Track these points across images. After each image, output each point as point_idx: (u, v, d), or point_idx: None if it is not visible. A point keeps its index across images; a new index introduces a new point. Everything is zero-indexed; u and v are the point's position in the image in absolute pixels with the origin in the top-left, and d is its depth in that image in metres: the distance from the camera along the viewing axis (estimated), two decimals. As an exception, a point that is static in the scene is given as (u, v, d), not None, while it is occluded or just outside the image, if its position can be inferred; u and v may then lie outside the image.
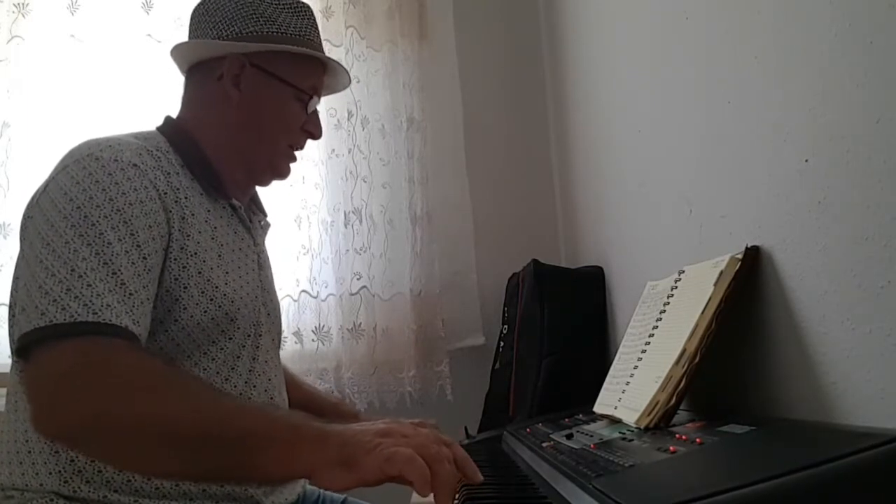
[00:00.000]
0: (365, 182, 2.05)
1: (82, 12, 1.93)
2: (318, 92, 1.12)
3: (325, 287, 2.00)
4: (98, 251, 0.83)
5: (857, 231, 0.73)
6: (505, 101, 2.23)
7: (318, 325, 1.97)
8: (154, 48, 1.96)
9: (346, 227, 2.01)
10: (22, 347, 0.79)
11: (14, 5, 1.89)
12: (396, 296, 2.04)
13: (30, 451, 0.89)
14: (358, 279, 2.01)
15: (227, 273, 0.99)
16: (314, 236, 2.00)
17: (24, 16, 1.89)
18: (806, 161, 0.81)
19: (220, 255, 0.99)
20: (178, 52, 1.09)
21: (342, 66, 1.15)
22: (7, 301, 1.77)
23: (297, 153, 1.14)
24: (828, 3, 0.76)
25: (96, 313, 0.78)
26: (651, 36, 1.32)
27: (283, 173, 1.13)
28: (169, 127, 1.06)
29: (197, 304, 0.93)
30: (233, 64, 1.04)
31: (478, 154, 2.16)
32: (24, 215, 0.91)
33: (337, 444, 0.69)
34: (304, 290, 1.98)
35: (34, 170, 1.83)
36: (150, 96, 1.91)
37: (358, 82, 2.05)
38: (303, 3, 1.12)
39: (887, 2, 0.67)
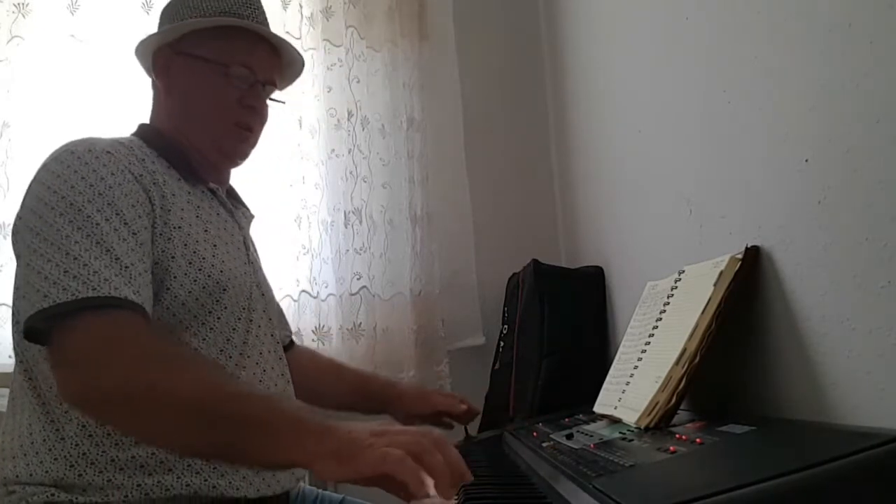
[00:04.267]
0: (365, 182, 2.05)
1: (82, 12, 1.93)
2: (248, 64, 1.09)
3: (325, 287, 1.99)
4: (89, 233, 0.87)
5: (857, 231, 0.73)
6: (505, 101, 2.23)
7: (318, 325, 1.97)
8: (154, 48, 1.95)
9: (346, 227, 2.01)
10: (29, 329, 0.83)
11: (14, 5, 1.89)
12: (396, 296, 2.03)
13: (33, 443, 0.92)
14: (358, 279, 2.00)
15: (214, 246, 1.02)
16: (314, 236, 2.00)
17: (24, 16, 1.89)
18: (806, 161, 0.81)
19: (206, 230, 1.03)
20: (142, 66, 1.16)
21: (269, 30, 1.12)
22: (7, 301, 1.80)
23: (245, 132, 1.12)
24: (828, 3, 0.76)
25: (95, 289, 0.82)
26: (651, 36, 1.32)
27: (232, 153, 1.13)
28: (141, 129, 1.12)
29: (186, 273, 0.96)
30: (159, 58, 1.11)
31: (478, 154, 2.16)
32: (15, 220, 0.95)
33: (335, 438, 0.73)
34: (304, 290, 1.98)
35: (34, 170, 1.84)
36: (150, 96, 1.91)
37: (358, 82, 2.05)
38: None
39: (887, 2, 0.67)
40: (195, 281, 0.97)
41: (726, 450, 0.70)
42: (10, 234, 1.78)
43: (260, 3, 1.15)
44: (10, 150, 1.85)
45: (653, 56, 1.32)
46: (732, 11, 0.99)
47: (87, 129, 1.83)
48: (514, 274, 1.93)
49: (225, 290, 1.00)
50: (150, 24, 1.95)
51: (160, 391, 0.78)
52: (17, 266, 0.92)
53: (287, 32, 2.04)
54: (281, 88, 1.21)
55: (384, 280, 2.03)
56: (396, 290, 2.04)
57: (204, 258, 0.99)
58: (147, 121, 1.14)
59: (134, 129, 1.13)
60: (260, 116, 1.13)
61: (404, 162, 2.06)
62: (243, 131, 1.11)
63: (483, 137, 2.18)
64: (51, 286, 0.82)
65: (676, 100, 1.20)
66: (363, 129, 2.06)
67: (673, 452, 0.71)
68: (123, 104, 1.90)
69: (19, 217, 0.94)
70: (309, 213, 2.00)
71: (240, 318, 1.04)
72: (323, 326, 1.97)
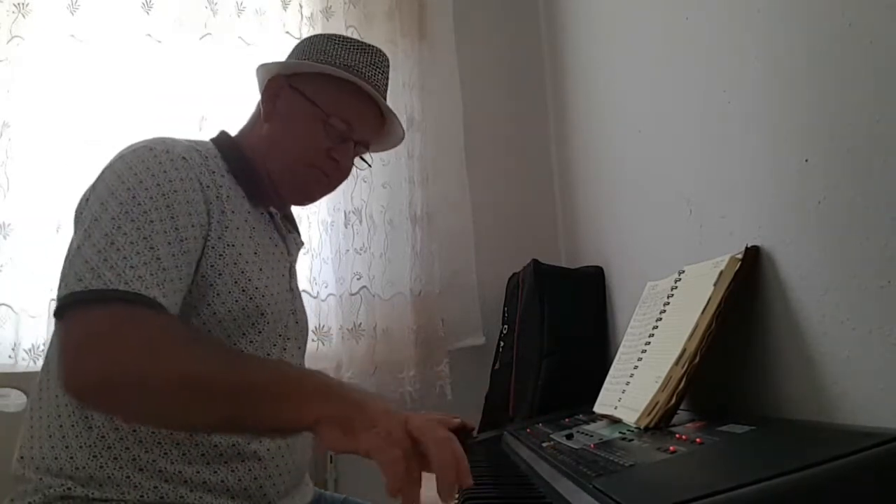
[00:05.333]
0: (365, 182, 2.05)
1: (82, 12, 1.93)
2: (349, 121, 1.12)
3: (325, 287, 2.00)
4: (139, 227, 0.89)
5: (857, 231, 0.73)
6: (505, 101, 2.23)
7: (318, 325, 1.97)
8: (154, 48, 1.96)
9: (346, 227, 2.01)
10: (58, 309, 0.85)
11: (14, 5, 1.89)
12: (396, 296, 2.03)
13: (61, 426, 0.94)
14: (358, 279, 2.01)
15: (261, 269, 1.03)
16: (314, 236, 2.00)
17: (24, 16, 1.89)
18: (806, 161, 0.81)
19: (255, 253, 1.04)
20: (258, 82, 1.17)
21: (389, 109, 1.16)
22: (7, 301, 1.81)
23: (323, 177, 1.14)
24: (827, 3, 0.76)
25: (126, 283, 0.84)
26: (651, 36, 1.32)
27: (303, 193, 1.16)
28: (220, 137, 1.13)
29: (230, 292, 0.98)
30: (272, 84, 1.12)
31: (478, 154, 2.16)
32: (81, 201, 0.97)
33: (343, 403, 0.72)
34: (304, 290, 1.98)
35: (34, 170, 1.84)
36: (150, 96, 1.91)
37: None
38: (373, 47, 1.17)
39: (887, 2, 0.67)
40: (236, 301, 0.98)
41: (726, 450, 0.70)
42: (10, 234, 1.81)
43: (387, 67, 1.18)
44: (10, 150, 1.85)
45: (653, 56, 1.32)
46: (732, 11, 0.99)
47: (87, 129, 1.84)
48: (514, 274, 1.93)
49: (263, 314, 1.01)
50: (150, 24, 1.96)
51: (159, 373, 0.78)
52: (71, 245, 0.93)
53: (287, 32, 2.05)
54: (374, 151, 1.25)
55: (384, 280, 2.03)
56: (396, 290, 2.04)
57: (249, 280, 1.00)
58: (227, 128, 1.16)
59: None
60: (340, 171, 1.16)
61: (404, 162, 2.06)
62: (321, 175, 1.13)
63: (483, 137, 2.18)
64: (87, 271, 0.84)
65: (676, 100, 1.20)
66: (363, 129, 2.06)
67: (673, 452, 0.71)
68: (123, 104, 1.91)
69: (86, 199, 0.95)
70: (309, 213, 2.00)
71: (275, 345, 1.04)
72: (323, 326, 1.97)
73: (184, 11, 1.99)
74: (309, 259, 1.99)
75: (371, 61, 1.15)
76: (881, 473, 0.54)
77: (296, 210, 1.94)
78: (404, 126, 2.02)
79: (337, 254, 2.00)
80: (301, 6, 2.06)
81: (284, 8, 2.04)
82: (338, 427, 0.71)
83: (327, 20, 2.06)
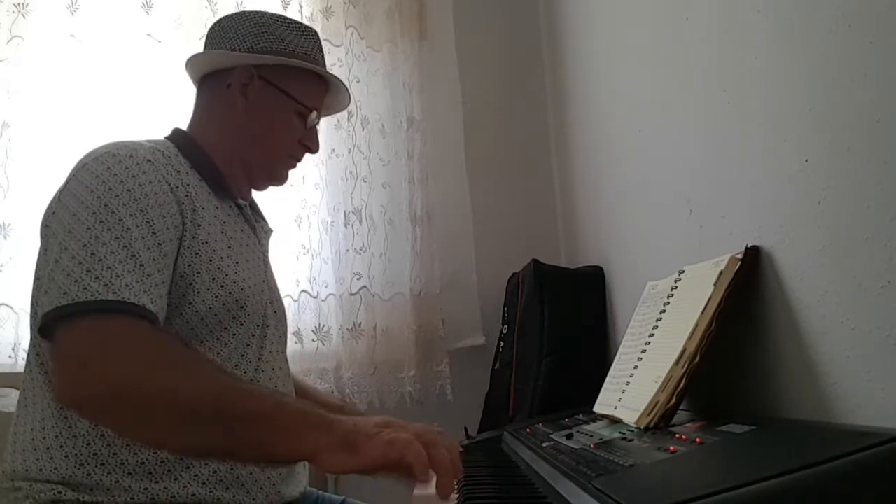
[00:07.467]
0: (365, 182, 2.05)
1: (82, 12, 1.93)
2: (318, 110, 1.18)
3: (325, 287, 2.00)
4: (117, 235, 0.88)
5: (857, 231, 0.73)
6: (505, 101, 2.23)
7: (318, 325, 1.97)
8: (154, 48, 1.96)
9: (346, 227, 2.01)
10: (45, 326, 0.84)
11: (14, 5, 1.89)
12: (396, 296, 2.03)
13: (45, 438, 0.93)
14: (358, 279, 2.01)
15: (236, 263, 1.04)
16: (314, 236, 2.00)
17: (24, 16, 1.89)
18: (806, 161, 0.81)
19: (229, 247, 1.04)
20: (192, 63, 1.15)
21: (344, 84, 1.22)
22: (7, 301, 1.81)
23: (296, 162, 1.21)
24: (828, 3, 0.76)
25: (116, 292, 0.83)
26: (651, 36, 1.32)
27: (280, 179, 1.20)
28: (175, 135, 1.12)
29: (209, 289, 0.98)
30: (242, 74, 1.11)
31: (478, 154, 2.16)
32: (47, 213, 0.96)
33: (341, 431, 0.74)
34: (304, 290, 1.98)
35: (34, 170, 1.84)
36: (150, 96, 1.91)
37: (358, 82, 2.06)
38: (309, 27, 1.20)
39: (887, 2, 0.67)
40: (216, 297, 0.98)
41: (726, 450, 0.70)
42: (10, 234, 1.81)
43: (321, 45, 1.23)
44: (10, 150, 1.85)
45: (653, 56, 1.32)
46: (732, 11, 0.99)
47: (87, 129, 1.84)
48: (514, 274, 1.93)
49: (243, 307, 1.02)
50: (150, 24, 1.96)
51: (164, 392, 0.78)
52: (43, 258, 0.93)
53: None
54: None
55: (384, 280, 2.03)
56: (396, 290, 2.04)
57: (226, 275, 1.00)
58: (177, 126, 1.14)
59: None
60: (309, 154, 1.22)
61: (404, 162, 2.07)
62: (295, 162, 1.20)
63: (483, 137, 2.18)
64: (72, 284, 0.83)
65: (676, 100, 1.20)
66: (363, 129, 2.06)
67: (673, 452, 0.71)
68: (123, 104, 1.91)
69: (53, 212, 0.94)
70: (309, 213, 2.00)
71: (254, 335, 1.05)
72: (323, 326, 1.97)
73: (184, 11, 1.99)
74: (309, 259, 1.99)
75: (317, 45, 1.19)
76: (881, 473, 0.54)
77: (295, 210, 1.98)
78: (403, 125, 2.06)
79: (337, 254, 2.00)
80: (301, 6, 2.06)
81: (284, 8, 2.04)
82: (340, 450, 0.73)
83: (327, 20, 2.06)
